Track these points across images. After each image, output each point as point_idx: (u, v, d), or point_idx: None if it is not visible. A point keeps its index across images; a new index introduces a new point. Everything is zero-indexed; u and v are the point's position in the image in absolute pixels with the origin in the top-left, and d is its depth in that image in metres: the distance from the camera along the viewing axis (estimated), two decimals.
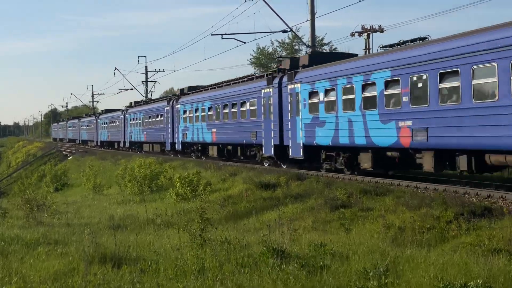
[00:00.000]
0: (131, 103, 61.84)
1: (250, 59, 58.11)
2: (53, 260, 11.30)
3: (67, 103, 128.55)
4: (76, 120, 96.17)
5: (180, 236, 12.66)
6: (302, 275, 9.33)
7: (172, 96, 47.90)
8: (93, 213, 22.32)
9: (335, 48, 54.26)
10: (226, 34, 36.81)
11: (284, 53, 56.59)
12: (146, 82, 74.35)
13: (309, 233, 14.25)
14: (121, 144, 60.28)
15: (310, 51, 34.21)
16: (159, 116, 46.40)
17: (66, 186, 45.92)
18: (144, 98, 74.07)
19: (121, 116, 60.46)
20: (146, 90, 74.32)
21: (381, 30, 25.76)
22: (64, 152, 78.44)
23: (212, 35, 38.16)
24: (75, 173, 49.26)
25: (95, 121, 76.16)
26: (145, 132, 50.95)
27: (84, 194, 33.23)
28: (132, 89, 76.01)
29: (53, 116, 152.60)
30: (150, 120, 49.36)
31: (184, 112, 40.48)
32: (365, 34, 25.66)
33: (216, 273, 9.67)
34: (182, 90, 44.50)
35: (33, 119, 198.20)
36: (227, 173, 27.23)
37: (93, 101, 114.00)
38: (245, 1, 34.72)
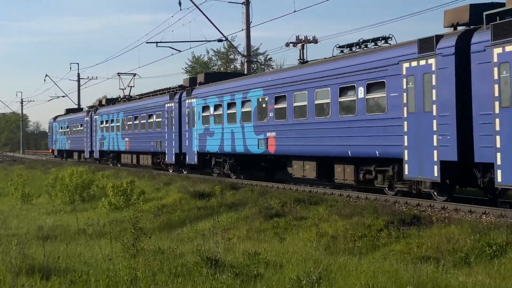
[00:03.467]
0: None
1: (186, 68, 57.86)
2: None
3: None
4: None
5: (112, 246, 12.43)
6: (236, 284, 9.32)
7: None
8: (21, 224, 21.63)
9: (270, 57, 54.74)
10: (161, 42, 36.72)
11: (219, 62, 56.64)
12: (79, 89, 73.02)
13: (243, 242, 14.25)
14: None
15: (245, 60, 34.40)
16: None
17: None
18: (77, 105, 72.64)
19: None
20: (79, 97, 72.92)
21: (315, 41, 26.08)
22: None
23: (147, 42, 38.07)
24: (2, 182, 47.70)
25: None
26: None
27: (12, 204, 32.17)
28: (63, 96, 74.36)
29: None
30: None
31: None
32: (299, 45, 25.90)
33: (149, 283, 9.54)
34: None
35: None
36: (161, 182, 26.98)
37: (22, 108, 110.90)
38: (181, 10, 34.76)
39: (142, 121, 37.06)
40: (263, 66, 52.67)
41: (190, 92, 30.25)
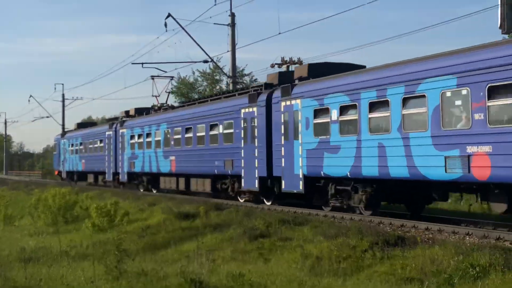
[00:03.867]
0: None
1: (171, 89, 57.92)
2: None
3: None
4: None
5: (95, 269, 12.33)
6: None
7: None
8: (3, 245, 21.38)
9: (256, 79, 54.84)
10: (146, 63, 36.72)
11: (205, 83, 56.73)
12: (63, 110, 72.77)
13: (228, 263, 14.19)
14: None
15: (230, 81, 34.54)
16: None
17: None
18: (61, 126, 72.33)
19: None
20: (63, 117, 72.66)
21: (300, 62, 26.29)
22: None
23: (132, 63, 38.09)
24: None
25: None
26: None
27: None
28: (48, 117, 74.13)
29: None
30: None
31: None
32: (284, 66, 26.08)
33: None
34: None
35: None
36: (146, 203, 26.86)
37: (6, 129, 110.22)
38: (166, 31, 34.82)
39: (198, 134, 28.16)
40: None
41: (289, 90, 21.62)
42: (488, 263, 10.82)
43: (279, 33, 34.82)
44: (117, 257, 12.53)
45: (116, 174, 39.06)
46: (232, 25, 33.86)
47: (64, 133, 55.28)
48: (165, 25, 34.31)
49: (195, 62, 38.32)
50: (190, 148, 28.94)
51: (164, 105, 36.38)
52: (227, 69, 40.64)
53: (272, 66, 26.86)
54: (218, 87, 54.94)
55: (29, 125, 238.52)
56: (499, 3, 21.85)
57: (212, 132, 26.93)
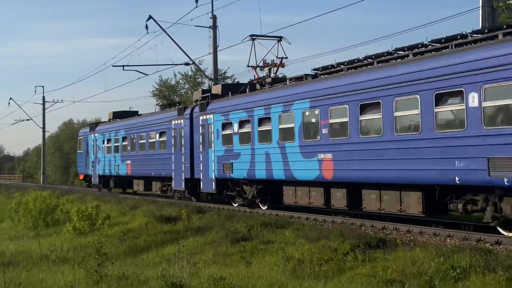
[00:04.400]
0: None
1: (153, 91, 57.75)
2: None
3: None
4: None
5: (75, 272, 12.21)
6: None
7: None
8: None
9: (238, 81, 54.84)
10: (127, 65, 36.51)
11: (187, 86, 56.61)
12: (44, 113, 72.21)
13: (209, 266, 14.14)
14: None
15: (212, 84, 34.44)
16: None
17: None
18: (42, 129, 71.76)
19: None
20: (44, 120, 72.09)
21: (282, 64, 26.29)
22: None
23: (113, 66, 37.73)
24: None
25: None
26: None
27: None
28: (28, 119, 73.40)
29: None
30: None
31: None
32: (266, 68, 26.07)
33: None
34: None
35: None
36: (128, 206, 26.70)
37: None
38: (147, 33, 34.61)
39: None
40: None
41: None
42: (469, 265, 10.89)
43: None
44: (97, 261, 12.41)
45: (191, 180, 27.22)
46: (214, 27, 33.82)
47: (94, 125, 41.84)
48: (146, 27, 34.15)
49: (177, 64, 38.14)
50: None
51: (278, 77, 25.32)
52: (209, 71, 40.58)
53: (254, 68, 26.80)
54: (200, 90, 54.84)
55: (9, 128, 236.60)
56: (480, 5, 22.10)
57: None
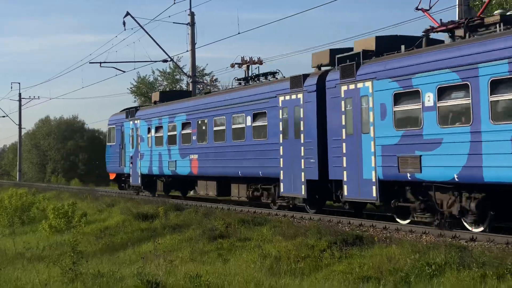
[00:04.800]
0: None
1: (130, 88, 57.43)
2: None
3: None
4: None
5: (50, 271, 12.10)
6: None
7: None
8: None
9: (216, 78, 54.75)
10: (104, 62, 36.23)
11: (165, 83, 56.38)
12: (20, 109, 71.44)
13: (186, 264, 14.08)
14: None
15: (190, 81, 34.33)
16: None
17: None
18: (18, 126, 70.97)
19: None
20: (20, 117, 71.30)
21: (260, 62, 26.24)
22: None
23: (90, 63, 37.49)
24: None
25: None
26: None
27: None
28: (4, 116, 72.53)
29: None
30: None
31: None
32: (244, 66, 26.02)
33: None
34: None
35: None
36: (104, 203, 26.52)
37: None
38: (125, 30, 34.36)
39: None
40: (209, 87, 52.67)
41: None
42: (444, 261, 10.96)
43: (239, 33, 34.77)
44: (72, 259, 12.32)
45: (319, 182, 18.68)
46: (192, 24, 33.70)
47: (132, 109, 32.08)
48: (124, 24, 33.89)
49: (155, 61, 37.99)
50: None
51: None
52: (188, 68, 40.44)
53: (232, 66, 26.77)
54: (178, 87, 54.72)
55: None
56: (457, 3, 22.29)
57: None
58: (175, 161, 26.39)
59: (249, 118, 21.57)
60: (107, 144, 34.66)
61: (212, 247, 15.66)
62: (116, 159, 32.91)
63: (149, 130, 29.05)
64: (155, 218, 20.97)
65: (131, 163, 30.48)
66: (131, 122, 31.07)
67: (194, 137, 25.30)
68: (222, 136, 23.15)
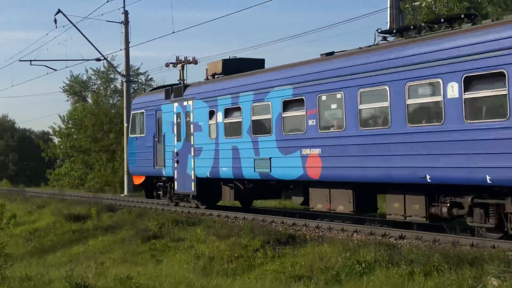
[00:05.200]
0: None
1: (63, 87, 56.24)
2: None
3: None
4: None
5: None
6: None
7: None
8: None
9: (151, 78, 54.21)
10: (35, 60, 35.30)
11: (99, 81, 55.44)
12: None
13: (118, 266, 13.88)
14: None
15: (124, 80, 33.86)
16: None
17: None
18: None
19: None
20: None
21: (195, 61, 26.10)
22: None
23: (20, 61, 36.40)
24: None
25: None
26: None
27: None
28: None
29: None
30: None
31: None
32: (179, 65, 25.81)
33: None
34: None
35: None
36: (35, 205, 25.87)
37: None
38: (56, 27, 33.53)
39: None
40: (143, 86, 52.12)
41: None
42: (374, 259, 11.14)
43: (173, 32, 34.53)
44: None
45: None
46: (126, 23, 33.22)
47: (178, 86, 22.45)
48: (55, 21, 33.07)
49: (87, 60, 37.23)
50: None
51: None
52: (122, 67, 39.85)
53: (167, 65, 26.52)
54: (112, 86, 53.94)
55: None
56: (388, 6, 22.75)
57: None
58: (269, 158, 17.93)
59: (453, 87, 12.77)
60: (130, 136, 25.67)
61: (145, 248, 15.50)
62: (146, 156, 23.67)
63: (211, 114, 20.35)
64: (87, 219, 20.59)
65: (177, 161, 21.77)
66: (175, 104, 22.07)
67: (311, 122, 16.56)
68: (382, 118, 14.66)
